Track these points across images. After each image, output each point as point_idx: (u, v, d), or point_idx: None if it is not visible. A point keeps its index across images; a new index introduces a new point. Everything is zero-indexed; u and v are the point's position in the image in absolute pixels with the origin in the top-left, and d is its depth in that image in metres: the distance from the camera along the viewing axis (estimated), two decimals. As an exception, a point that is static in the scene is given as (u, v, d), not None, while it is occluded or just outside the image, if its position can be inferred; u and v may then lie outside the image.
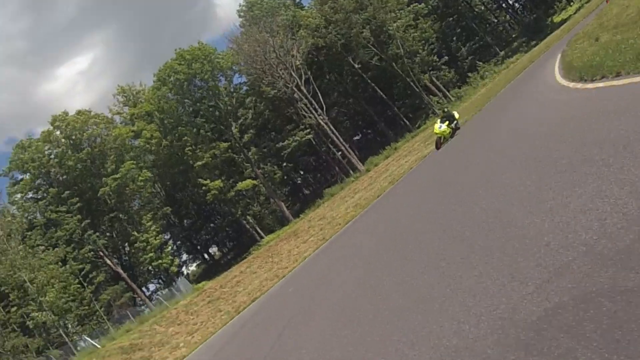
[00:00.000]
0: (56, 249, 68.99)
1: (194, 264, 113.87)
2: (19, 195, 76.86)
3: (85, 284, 69.70)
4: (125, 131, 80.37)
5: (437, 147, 36.15)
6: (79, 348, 60.36)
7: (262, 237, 78.71)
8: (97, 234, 74.96)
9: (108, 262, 76.08)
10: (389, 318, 8.90)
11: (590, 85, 16.22)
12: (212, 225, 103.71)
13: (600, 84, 15.39)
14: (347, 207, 49.03)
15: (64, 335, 65.31)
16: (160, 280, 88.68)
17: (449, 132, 35.99)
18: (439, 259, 9.90)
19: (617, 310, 4.47)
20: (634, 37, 17.06)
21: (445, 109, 41.39)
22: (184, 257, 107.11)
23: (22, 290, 65.37)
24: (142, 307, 70.88)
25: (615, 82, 14.32)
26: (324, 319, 12.90)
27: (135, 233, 76.59)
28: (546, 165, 10.18)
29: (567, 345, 4.48)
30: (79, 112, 79.12)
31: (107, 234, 79.71)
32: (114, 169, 75.85)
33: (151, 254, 74.50)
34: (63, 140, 77.64)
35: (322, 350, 10.43)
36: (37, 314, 62.46)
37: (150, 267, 78.55)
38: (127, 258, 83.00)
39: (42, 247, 68.42)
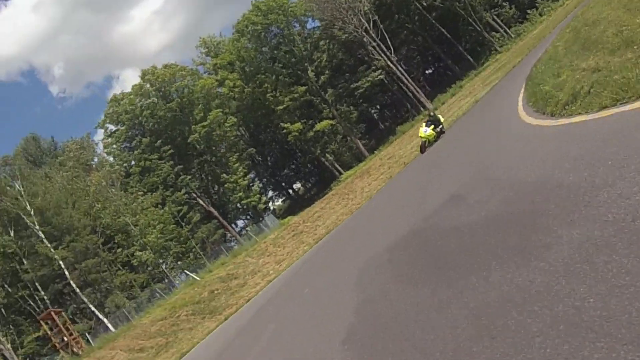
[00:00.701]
0: (153, 193, 74.96)
1: (280, 200, 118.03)
2: (115, 146, 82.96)
3: (183, 224, 75.31)
4: (210, 81, 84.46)
5: (422, 151, 36.06)
6: (178, 281, 66.60)
7: (341, 173, 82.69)
8: (189, 177, 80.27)
9: (201, 202, 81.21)
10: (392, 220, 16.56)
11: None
12: (294, 162, 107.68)
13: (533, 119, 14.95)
14: (412, 147, 50.70)
15: (165, 270, 72.36)
16: (248, 217, 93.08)
17: (434, 136, 35.74)
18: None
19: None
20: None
21: (432, 113, 40.96)
22: (270, 193, 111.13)
23: (125, 233, 71.39)
24: (232, 243, 76.36)
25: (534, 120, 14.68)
26: (371, 231, 20.55)
27: (224, 175, 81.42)
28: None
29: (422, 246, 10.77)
30: (165, 66, 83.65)
31: (198, 176, 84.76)
32: (202, 116, 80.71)
33: (240, 194, 79.57)
34: (153, 92, 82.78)
35: (364, 241, 18.29)
36: (140, 253, 68.61)
37: (239, 205, 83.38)
38: (217, 197, 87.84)
39: (141, 192, 74.40)
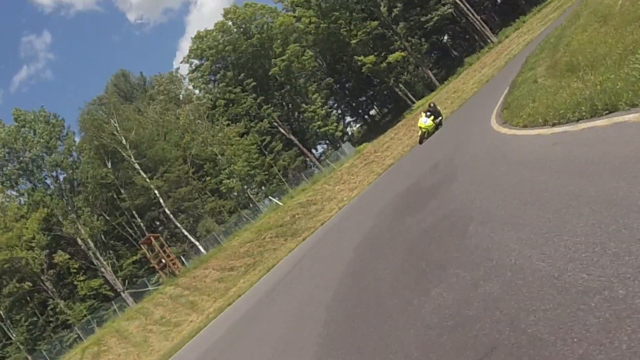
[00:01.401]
0: (237, 123, 79.67)
1: (357, 125, 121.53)
2: (200, 79, 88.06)
3: (266, 153, 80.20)
4: (288, 19, 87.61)
5: (420, 142, 36.72)
6: (262, 206, 70.84)
7: (413, 102, 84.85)
8: (271, 107, 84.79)
9: (282, 130, 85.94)
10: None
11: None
12: (371, 89, 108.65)
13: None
14: (472, 83, 55.90)
15: (250, 196, 77.48)
16: (327, 142, 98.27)
17: (433, 127, 36.35)
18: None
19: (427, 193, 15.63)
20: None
21: (431, 104, 39.81)
22: (348, 119, 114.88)
23: (213, 162, 76.81)
24: (313, 168, 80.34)
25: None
26: (402, 177, 26.79)
27: (304, 105, 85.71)
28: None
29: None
30: (246, 5, 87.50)
31: (279, 105, 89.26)
32: (281, 51, 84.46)
33: (318, 122, 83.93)
34: (235, 29, 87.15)
35: (395, 184, 24.82)
36: (227, 181, 73.80)
37: (318, 131, 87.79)
38: (297, 124, 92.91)
39: (226, 123, 79.06)
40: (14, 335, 66.28)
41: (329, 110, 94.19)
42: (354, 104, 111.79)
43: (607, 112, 8.77)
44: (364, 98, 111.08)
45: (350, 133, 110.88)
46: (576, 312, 3.91)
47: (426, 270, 7.68)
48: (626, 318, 3.50)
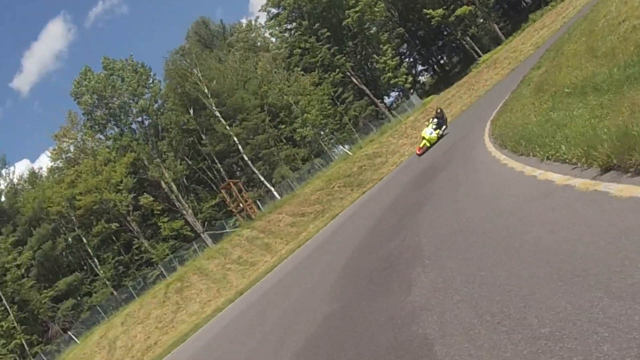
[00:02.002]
0: (312, 73, 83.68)
1: (428, 75, 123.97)
2: (277, 29, 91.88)
3: (338, 103, 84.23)
4: None
5: (420, 154, 35.49)
6: (332, 155, 75.40)
7: (479, 56, 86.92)
8: (344, 57, 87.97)
9: (354, 80, 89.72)
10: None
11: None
12: (442, 39, 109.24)
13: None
14: (530, 44, 59.22)
15: (322, 143, 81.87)
16: (398, 90, 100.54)
17: (436, 140, 35.53)
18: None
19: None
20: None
21: (439, 110, 39.39)
22: (419, 67, 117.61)
23: (288, 111, 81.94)
24: (383, 118, 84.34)
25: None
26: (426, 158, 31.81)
27: (375, 56, 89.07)
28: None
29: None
30: None
31: (352, 54, 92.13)
32: (354, 2, 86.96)
33: (389, 74, 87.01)
34: None
35: (420, 163, 31.07)
36: (301, 129, 78.29)
37: (389, 82, 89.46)
38: (369, 73, 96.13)
39: (301, 73, 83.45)
40: (101, 271, 72.63)
41: (400, 59, 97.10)
42: (424, 53, 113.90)
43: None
44: (434, 48, 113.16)
45: (421, 82, 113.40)
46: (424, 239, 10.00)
47: (401, 228, 13.72)
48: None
